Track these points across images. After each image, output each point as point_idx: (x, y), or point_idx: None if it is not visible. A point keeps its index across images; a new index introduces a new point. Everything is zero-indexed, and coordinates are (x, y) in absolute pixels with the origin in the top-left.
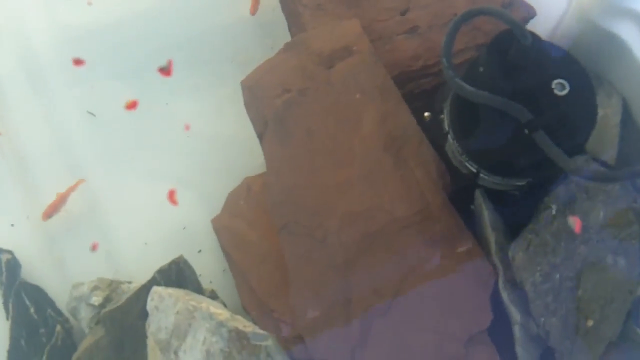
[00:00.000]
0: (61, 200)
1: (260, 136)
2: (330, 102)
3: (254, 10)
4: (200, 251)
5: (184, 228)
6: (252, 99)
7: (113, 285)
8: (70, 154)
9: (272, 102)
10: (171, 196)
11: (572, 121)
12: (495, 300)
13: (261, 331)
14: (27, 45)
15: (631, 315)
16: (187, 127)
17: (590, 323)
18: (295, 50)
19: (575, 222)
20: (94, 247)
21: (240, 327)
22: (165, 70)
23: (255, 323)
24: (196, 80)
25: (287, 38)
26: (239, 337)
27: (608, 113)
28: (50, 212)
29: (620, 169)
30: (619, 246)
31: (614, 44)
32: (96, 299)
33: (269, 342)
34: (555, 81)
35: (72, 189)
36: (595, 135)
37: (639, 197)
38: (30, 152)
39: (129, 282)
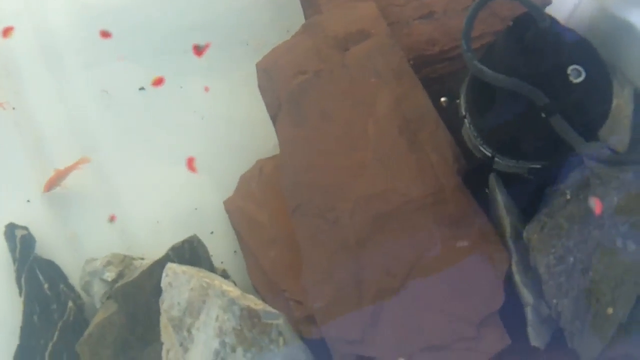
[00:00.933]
0: (59, 176)
1: (274, 118)
2: (346, 84)
3: None
4: (212, 233)
5: (196, 208)
6: (267, 81)
7: (126, 261)
8: (85, 132)
9: (287, 84)
10: (190, 163)
11: (588, 106)
12: (508, 283)
13: (272, 309)
14: (46, 23)
15: None
16: (207, 89)
17: (610, 311)
18: (310, 32)
19: (595, 203)
20: (112, 218)
21: (252, 305)
22: (200, 50)
23: (266, 303)
24: (211, 62)
25: (303, 22)
26: (250, 315)
27: (620, 103)
28: (51, 185)
29: (635, 153)
30: (630, 231)
31: (628, 33)
32: (109, 275)
33: (280, 321)
34: (572, 67)
35: (73, 166)
36: (607, 125)
37: None
38: (46, 129)
39: (142, 259)
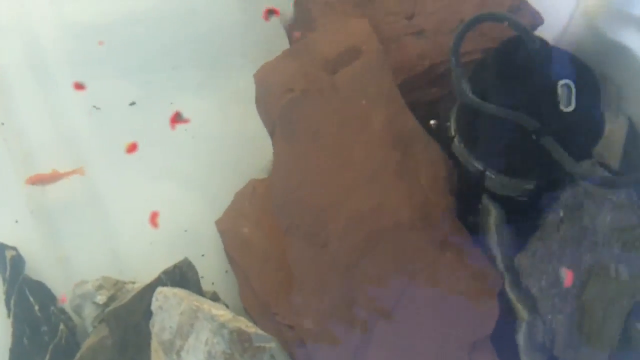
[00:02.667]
0: (51, 177)
1: (272, 134)
2: (337, 104)
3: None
4: (203, 255)
5: (188, 230)
6: (261, 97)
7: (118, 285)
8: (75, 151)
9: (278, 101)
10: (153, 219)
11: (579, 127)
12: (500, 307)
13: (264, 333)
14: (35, 39)
15: (631, 314)
16: (198, 106)
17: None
18: (297, 55)
19: (566, 274)
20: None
21: (243, 327)
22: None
23: (257, 325)
24: (203, 79)
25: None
26: (240, 339)
27: (611, 118)
28: (35, 180)
29: (627, 175)
30: (622, 251)
31: (618, 53)
32: (101, 298)
33: (273, 344)
34: (562, 82)
35: (68, 174)
36: (600, 146)
37: None
38: (35, 148)
39: (133, 282)
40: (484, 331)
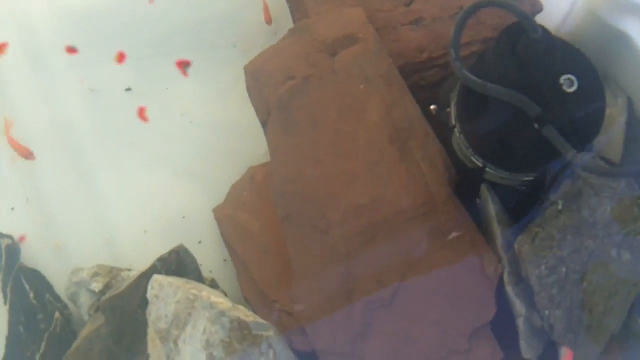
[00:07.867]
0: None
1: (264, 124)
2: (335, 91)
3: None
4: (200, 242)
5: (185, 217)
6: (255, 86)
7: (113, 273)
8: (70, 138)
9: (276, 90)
10: (141, 113)
11: (581, 117)
12: (500, 294)
13: (263, 321)
14: (31, 25)
15: (634, 307)
16: (194, 92)
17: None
18: (298, 36)
19: (566, 354)
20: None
21: (242, 316)
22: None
23: (256, 314)
24: (198, 65)
25: (291, 23)
26: (240, 327)
27: (614, 112)
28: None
29: (629, 165)
30: (624, 241)
31: (620, 41)
32: (96, 285)
33: (271, 333)
34: (564, 77)
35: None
36: (600, 134)
37: None
38: (30, 134)
39: (129, 270)
40: (485, 318)
